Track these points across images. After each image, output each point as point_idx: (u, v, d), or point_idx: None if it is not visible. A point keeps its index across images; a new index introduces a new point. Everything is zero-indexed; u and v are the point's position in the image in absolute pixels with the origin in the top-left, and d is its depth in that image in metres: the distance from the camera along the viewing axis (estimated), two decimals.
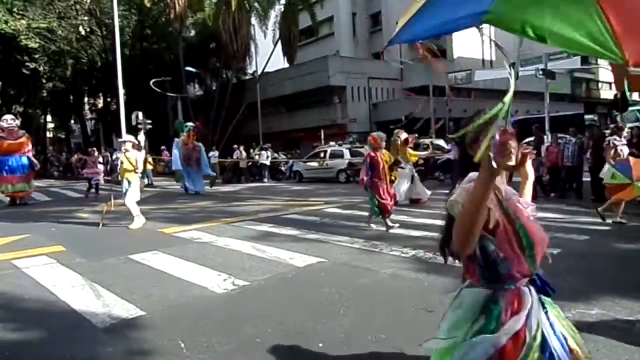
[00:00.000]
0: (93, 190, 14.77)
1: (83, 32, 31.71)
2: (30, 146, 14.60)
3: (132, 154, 9.04)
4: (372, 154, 7.72)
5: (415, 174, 11.48)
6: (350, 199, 12.65)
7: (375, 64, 37.14)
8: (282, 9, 30.98)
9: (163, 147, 24.10)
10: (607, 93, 47.79)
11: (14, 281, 5.31)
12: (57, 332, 3.84)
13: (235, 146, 22.53)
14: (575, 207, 9.72)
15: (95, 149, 16.38)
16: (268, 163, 22.23)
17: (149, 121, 24.98)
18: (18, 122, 14.83)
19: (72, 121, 46.56)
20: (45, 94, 38.26)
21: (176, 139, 15.57)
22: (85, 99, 42.01)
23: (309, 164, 20.95)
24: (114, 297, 4.56)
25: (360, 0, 39.37)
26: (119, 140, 9.57)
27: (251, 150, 23.90)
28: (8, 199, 13.96)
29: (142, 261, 6.05)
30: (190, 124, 14.23)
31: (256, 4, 30.07)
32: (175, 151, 15.55)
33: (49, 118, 47.29)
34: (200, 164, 15.80)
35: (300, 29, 32.66)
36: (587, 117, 19.65)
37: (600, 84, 53.43)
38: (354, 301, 4.27)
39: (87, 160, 15.15)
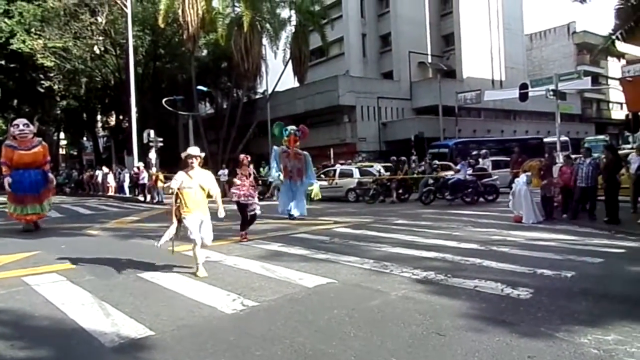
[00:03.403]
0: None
1: (98, 52, 32.42)
2: (48, 157, 12.26)
3: (206, 177, 6.38)
4: None
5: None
6: (360, 218, 12.59)
7: (384, 83, 37.42)
8: (293, 30, 31.41)
9: None
10: (618, 113, 47.56)
11: (24, 298, 5.31)
12: (66, 351, 3.82)
13: None
14: (589, 228, 9.58)
15: (246, 156, 10.57)
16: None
17: (160, 139, 25.31)
18: (33, 128, 12.31)
19: (85, 138, 47.24)
20: (59, 112, 38.96)
21: (275, 148, 11.89)
22: (98, 117, 42.70)
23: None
24: (123, 316, 4.54)
25: (370, 21, 39.83)
26: (188, 151, 6.30)
27: (260, 169, 23.99)
28: (22, 222, 11.79)
29: (152, 280, 6.03)
30: (292, 127, 11.15)
31: (267, 25, 30.50)
32: (273, 163, 11.72)
33: (61, 135, 48.02)
34: (304, 176, 11.62)
35: (311, 49, 33.03)
36: (563, 138, 19.03)
37: (611, 105, 53.25)
38: (364, 323, 4.21)
39: (237, 173, 9.73)
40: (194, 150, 6.34)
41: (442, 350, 3.60)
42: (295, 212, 11.11)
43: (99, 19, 30.39)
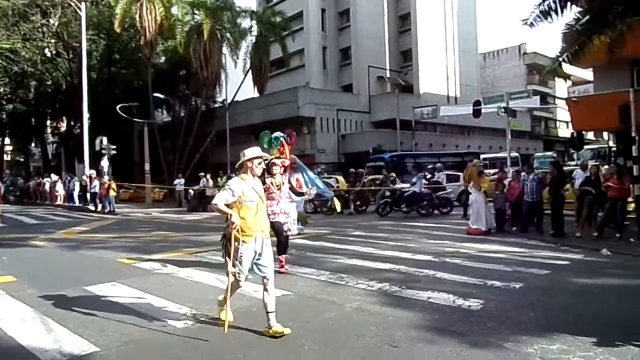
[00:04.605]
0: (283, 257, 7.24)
1: (49, 54, 31.16)
2: None
3: (262, 187, 4.64)
4: None
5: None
6: (317, 229, 12.59)
7: (344, 96, 37.90)
8: (254, 40, 31.35)
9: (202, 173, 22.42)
10: (564, 131, 50.03)
11: None
12: None
13: (202, 174, 22.25)
14: (536, 241, 9.95)
15: (283, 161, 7.88)
16: None
17: (114, 147, 24.52)
18: None
19: (33, 144, 45.15)
20: (4, 116, 37.11)
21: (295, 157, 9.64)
22: (48, 122, 40.93)
23: None
24: (66, 332, 4.32)
25: (331, 35, 40.37)
26: (250, 154, 4.30)
27: (218, 179, 23.63)
28: None
29: (99, 293, 5.78)
30: (279, 134, 8.99)
31: (228, 35, 30.29)
32: (308, 176, 10.05)
33: (7, 140, 45.76)
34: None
35: (271, 59, 33.04)
36: (513, 154, 19.76)
37: (558, 123, 55.97)
38: (318, 336, 4.19)
39: (266, 183, 6.80)
40: (256, 151, 4.38)
41: None
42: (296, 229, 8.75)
43: (51, 21, 29.33)
